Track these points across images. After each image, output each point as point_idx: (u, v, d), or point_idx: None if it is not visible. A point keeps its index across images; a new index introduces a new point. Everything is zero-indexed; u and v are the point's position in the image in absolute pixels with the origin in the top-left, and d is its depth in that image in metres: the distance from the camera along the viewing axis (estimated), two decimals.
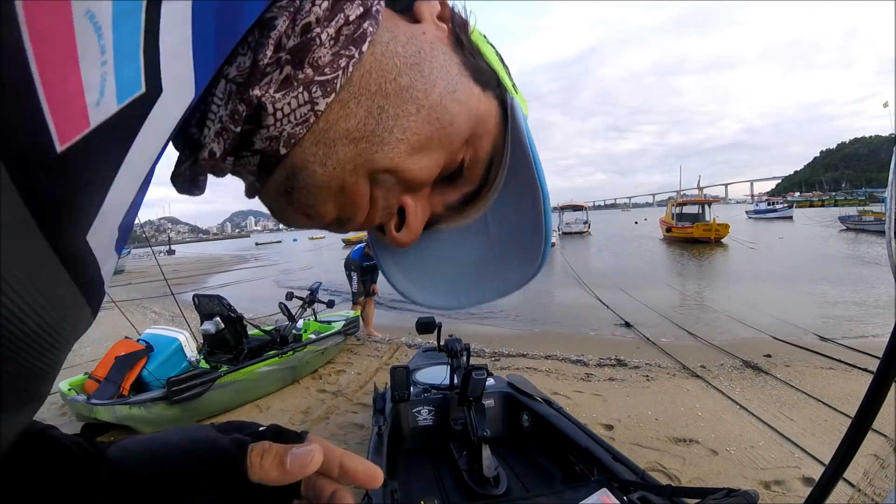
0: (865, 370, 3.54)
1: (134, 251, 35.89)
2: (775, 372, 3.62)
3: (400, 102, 0.25)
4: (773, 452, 2.32)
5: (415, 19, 0.29)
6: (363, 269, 5.10)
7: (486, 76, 0.31)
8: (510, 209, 0.32)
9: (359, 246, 5.35)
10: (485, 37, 0.33)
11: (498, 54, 0.33)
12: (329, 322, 4.46)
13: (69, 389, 2.98)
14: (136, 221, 0.22)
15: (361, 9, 0.25)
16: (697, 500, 1.05)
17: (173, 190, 0.27)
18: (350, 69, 0.24)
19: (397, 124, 0.25)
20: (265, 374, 3.30)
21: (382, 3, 0.26)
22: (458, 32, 0.30)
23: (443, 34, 0.30)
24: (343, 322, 4.45)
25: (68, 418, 3.16)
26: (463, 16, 0.31)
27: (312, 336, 3.97)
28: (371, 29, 0.25)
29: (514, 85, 0.33)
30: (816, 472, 2.08)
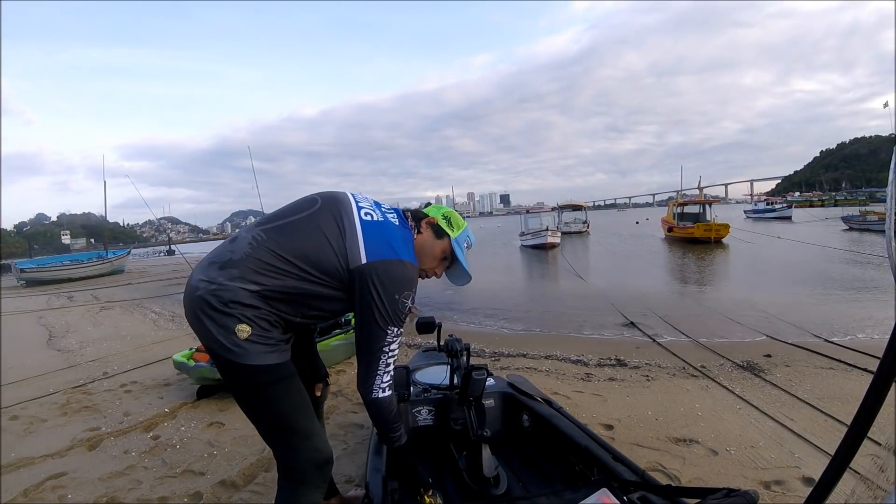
0: (865, 370, 3.54)
1: (134, 251, 35.86)
2: (776, 372, 3.62)
3: (423, 252, 1.40)
4: (774, 452, 2.32)
5: (421, 231, 1.42)
6: None
7: (441, 234, 1.44)
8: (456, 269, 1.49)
9: None
10: (444, 216, 1.46)
11: (446, 217, 1.46)
12: None
13: (189, 359, 3.48)
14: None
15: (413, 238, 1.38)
16: (697, 500, 1.05)
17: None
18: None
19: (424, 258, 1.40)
20: (335, 347, 4.07)
21: (415, 234, 1.41)
22: (434, 226, 1.44)
23: (428, 231, 1.43)
24: None
25: (183, 382, 3.82)
26: (434, 220, 1.44)
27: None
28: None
29: (449, 224, 1.45)
30: (817, 473, 2.08)
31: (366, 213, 1.33)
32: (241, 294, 1.16)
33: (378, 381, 1.28)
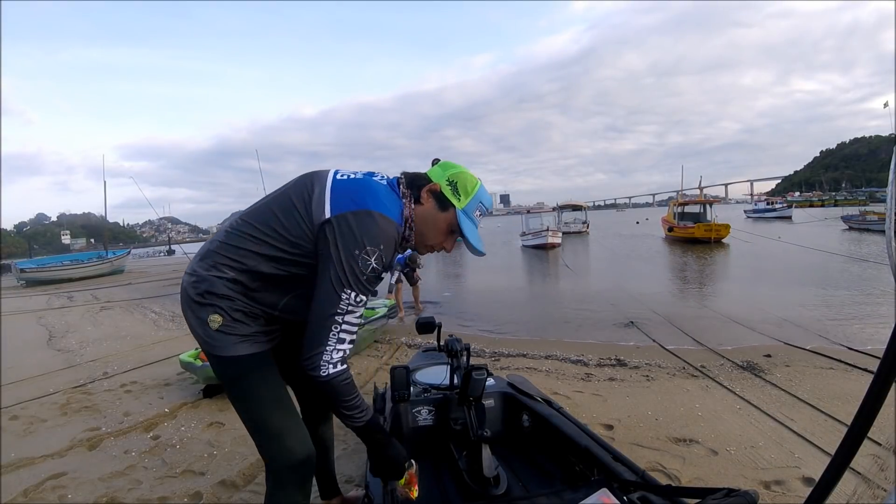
0: (865, 370, 3.54)
1: (134, 251, 35.87)
2: (776, 372, 3.62)
3: (426, 226, 1.23)
4: (774, 452, 2.32)
5: (422, 202, 1.21)
6: (404, 273, 6.90)
7: (446, 205, 1.22)
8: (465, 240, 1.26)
9: (401, 256, 6.65)
10: (449, 182, 1.22)
11: (451, 182, 1.22)
12: (373, 308, 5.47)
13: (196, 359, 3.50)
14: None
15: (410, 209, 1.21)
16: (697, 500, 1.05)
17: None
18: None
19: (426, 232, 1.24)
20: None
21: (412, 203, 1.21)
22: (437, 194, 1.22)
23: (430, 201, 1.22)
24: (385, 308, 5.63)
25: (183, 382, 3.90)
26: (437, 187, 1.22)
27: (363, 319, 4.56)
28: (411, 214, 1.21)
29: (455, 192, 1.22)
30: (817, 473, 2.08)
31: (342, 175, 1.19)
32: (216, 284, 1.13)
33: (325, 357, 1.06)
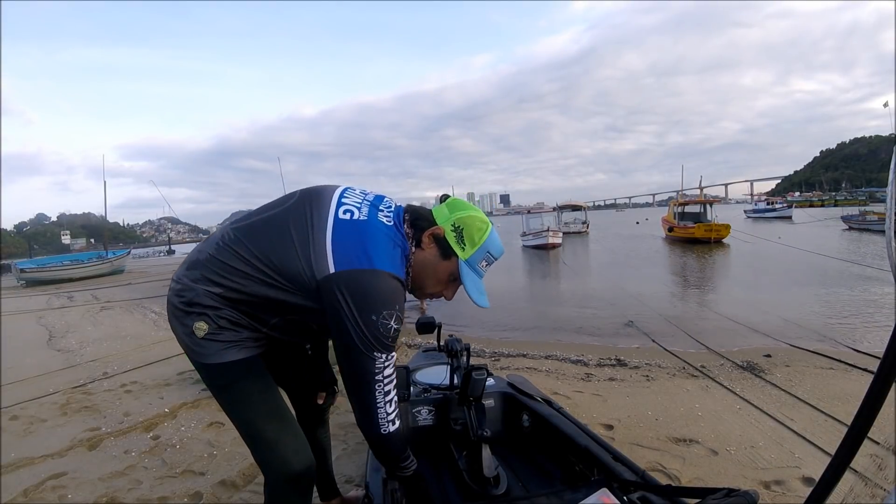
0: (865, 370, 3.54)
1: (134, 251, 35.89)
2: (776, 372, 3.62)
3: (425, 273, 1.16)
4: (774, 452, 2.32)
5: (423, 246, 1.14)
6: None
7: (448, 253, 1.14)
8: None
9: None
10: (454, 228, 1.13)
11: (456, 228, 1.13)
12: None
13: None
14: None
15: (410, 252, 1.13)
16: (697, 500, 1.05)
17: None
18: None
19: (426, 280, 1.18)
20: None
21: (413, 246, 1.14)
22: (440, 240, 1.13)
23: (431, 247, 1.14)
24: None
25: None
26: (441, 232, 1.13)
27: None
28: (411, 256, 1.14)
29: (459, 240, 1.13)
30: (817, 473, 2.08)
31: (345, 211, 1.10)
32: (202, 296, 1.09)
33: (383, 416, 1.09)
